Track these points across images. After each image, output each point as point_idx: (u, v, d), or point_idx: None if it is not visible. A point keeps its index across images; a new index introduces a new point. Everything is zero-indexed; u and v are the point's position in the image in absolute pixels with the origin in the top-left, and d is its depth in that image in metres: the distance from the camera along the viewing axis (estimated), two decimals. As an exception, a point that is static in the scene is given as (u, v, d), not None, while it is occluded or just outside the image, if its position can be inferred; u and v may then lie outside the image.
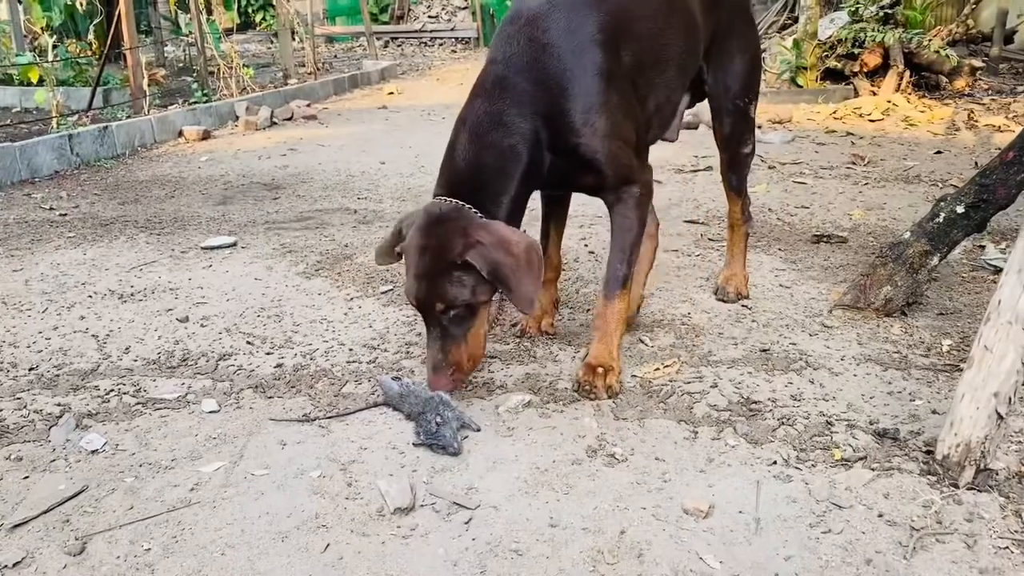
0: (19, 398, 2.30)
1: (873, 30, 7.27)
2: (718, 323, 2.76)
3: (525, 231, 2.23)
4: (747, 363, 2.47)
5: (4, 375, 2.45)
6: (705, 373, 2.40)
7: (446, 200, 2.16)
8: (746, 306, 2.90)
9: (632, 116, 2.31)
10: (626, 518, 1.75)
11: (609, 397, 2.26)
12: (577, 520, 1.75)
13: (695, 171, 5.03)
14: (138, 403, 2.27)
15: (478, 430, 2.10)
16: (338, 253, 3.61)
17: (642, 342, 2.59)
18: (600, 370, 2.28)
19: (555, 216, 2.74)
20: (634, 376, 2.38)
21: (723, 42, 2.71)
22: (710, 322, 2.77)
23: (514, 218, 2.23)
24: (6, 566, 1.62)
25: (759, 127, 6.39)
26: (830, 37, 7.56)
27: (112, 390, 2.34)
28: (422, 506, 1.81)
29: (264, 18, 16.53)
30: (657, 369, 2.40)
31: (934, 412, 2.14)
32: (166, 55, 10.32)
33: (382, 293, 3.12)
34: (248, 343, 2.67)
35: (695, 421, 2.14)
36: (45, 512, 1.79)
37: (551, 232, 2.72)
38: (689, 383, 2.34)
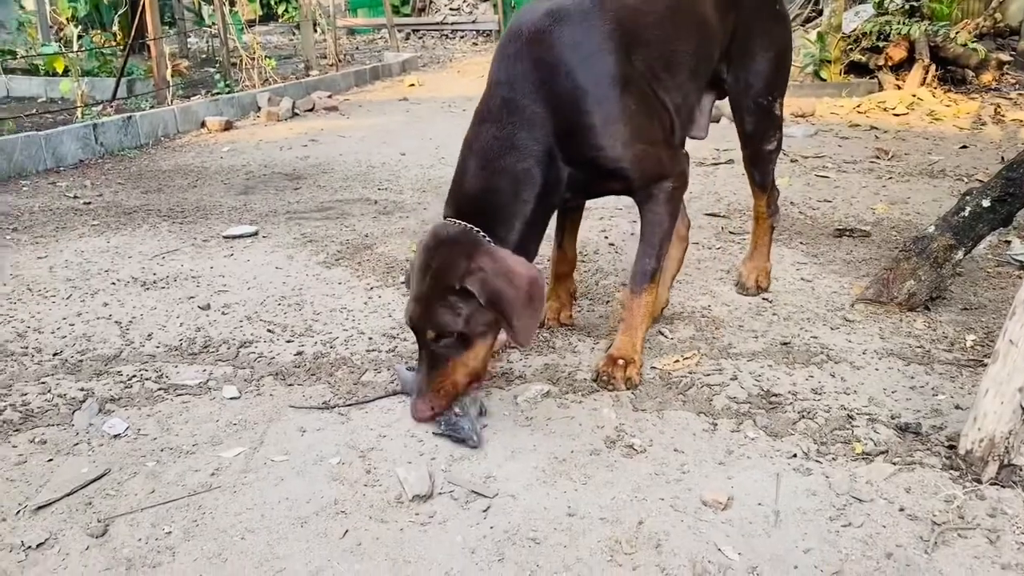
0: (43, 382, 2.33)
1: (899, 23, 7.18)
2: (738, 316, 2.75)
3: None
4: (767, 356, 2.45)
5: (29, 359, 2.48)
6: (725, 365, 2.39)
7: (455, 222, 2.09)
8: (767, 299, 2.88)
9: (654, 115, 2.27)
10: (644, 509, 1.75)
11: (628, 388, 2.24)
12: (595, 510, 1.75)
13: (716, 164, 4.99)
14: (160, 389, 2.29)
15: (483, 414, 2.10)
16: (358, 243, 3.62)
17: (662, 334, 2.58)
18: (621, 362, 2.27)
19: (571, 210, 2.67)
20: (653, 368, 2.38)
21: (745, 41, 2.64)
22: (730, 315, 2.76)
23: (529, 242, 2.17)
24: (30, 547, 1.64)
25: (781, 120, 6.34)
26: (855, 30, 7.48)
27: (135, 376, 2.36)
28: (440, 494, 1.81)
29: (286, 10, 16.59)
30: (676, 361, 2.39)
31: (957, 407, 2.12)
32: (189, 46, 10.38)
33: (402, 283, 3.12)
34: (269, 331, 2.68)
35: (714, 413, 2.13)
36: (68, 494, 1.81)
37: (567, 225, 2.67)
38: (709, 375, 2.33)
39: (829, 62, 7.43)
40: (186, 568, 1.58)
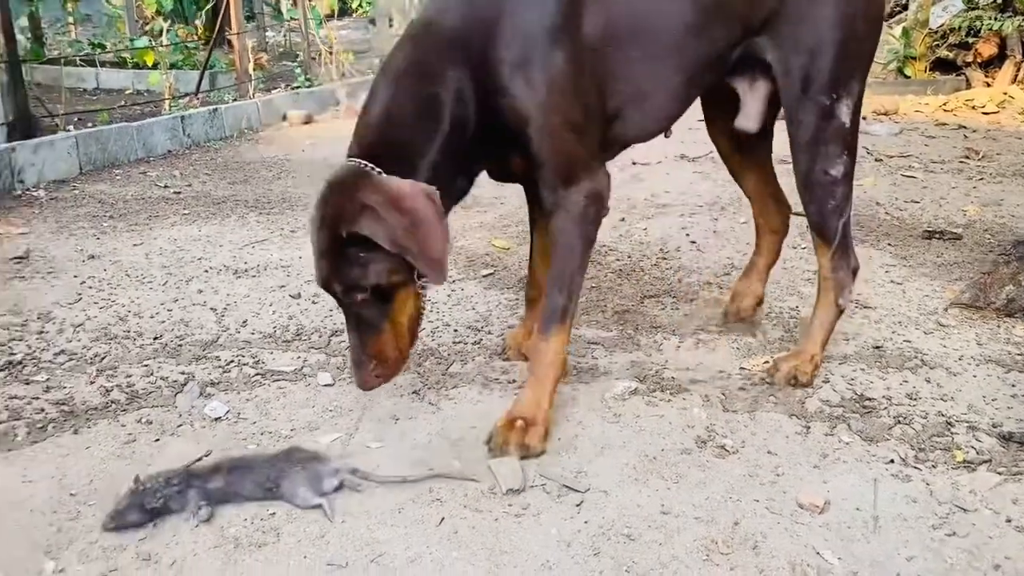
0: (146, 365, 2.42)
1: (989, 18, 6.93)
2: (827, 318, 2.70)
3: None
4: (859, 359, 2.41)
5: (131, 343, 2.58)
6: (816, 368, 2.35)
7: (349, 162, 1.85)
8: (856, 301, 2.82)
9: (583, 97, 1.91)
10: (739, 509, 1.74)
11: (524, 458, 1.89)
12: (689, 509, 1.74)
13: (797, 162, 4.91)
14: (257, 374, 2.37)
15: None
16: (439, 236, 3.66)
17: (752, 335, 2.56)
18: (520, 423, 1.93)
19: (543, 225, 2.23)
20: (743, 368, 2.36)
21: (797, 7, 2.05)
22: (819, 316, 2.71)
23: (440, 191, 1.83)
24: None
25: (863, 118, 6.20)
26: (942, 25, 7.25)
27: (232, 361, 2.44)
28: (532, 487, 1.83)
29: (361, 4, 16.81)
30: (766, 362, 2.37)
31: (1063, 418, 2.05)
32: (267, 40, 10.62)
33: (483, 276, 3.15)
34: (357, 321, 2.74)
35: (807, 416, 2.11)
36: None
37: (540, 235, 2.29)
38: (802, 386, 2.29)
39: (914, 58, 7.23)
40: (290, 548, 1.63)
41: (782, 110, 2.19)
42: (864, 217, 3.82)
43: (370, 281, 1.79)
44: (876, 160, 4.93)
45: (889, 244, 3.45)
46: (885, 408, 2.13)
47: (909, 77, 7.24)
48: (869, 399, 2.18)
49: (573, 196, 1.92)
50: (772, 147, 2.52)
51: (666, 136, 2.24)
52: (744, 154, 2.53)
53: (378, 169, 1.80)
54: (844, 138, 2.12)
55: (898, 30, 7.54)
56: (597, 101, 1.96)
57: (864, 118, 6.17)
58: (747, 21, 2.08)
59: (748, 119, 2.27)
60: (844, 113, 2.10)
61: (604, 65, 1.94)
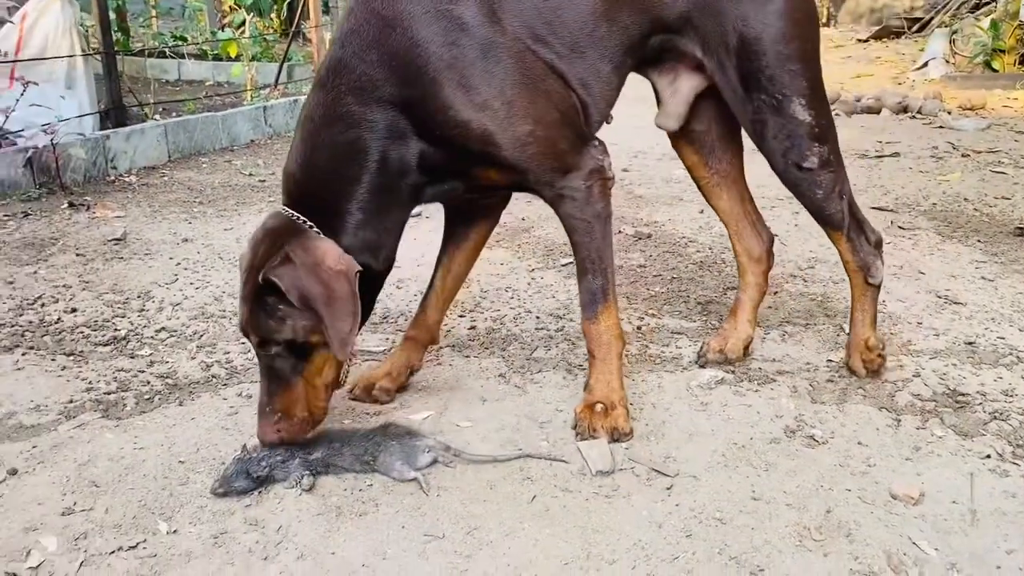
0: (243, 343, 2.51)
1: (1084, 10, 6.67)
2: (915, 312, 2.66)
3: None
4: (951, 355, 2.36)
5: (227, 322, 2.68)
6: (905, 362, 2.32)
7: (283, 211, 1.82)
8: (946, 297, 2.77)
9: (544, 90, 1.84)
10: (831, 498, 1.73)
11: (614, 440, 1.91)
12: (780, 496, 1.75)
13: (880, 157, 4.80)
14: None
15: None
16: (516, 226, 3.71)
17: (841, 328, 2.53)
18: (600, 407, 1.94)
19: (456, 244, 2.21)
20: (830, 361, 2.34)
21: (720, 3, 1.97)
22: (907, 311, 2.67)
23: (378, 236, 1.84)
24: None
25: (948, 112, 6.04)
26: (1033, 18, 7.00)
27: (324, 341, 2.52)
28: (621, 470, 1.86)
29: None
30: (854, 354, 2.34)
31: None
32: (341, 34, 10.83)
33: (562, 266, 3.18)
34: (441, 305, 2.80)
35: (897, 409, 2.08)
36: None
37: (448, 256, 2.21)
38: (889, 371, 2.27)
39: (1003, 51, 7.00)
40: (389, 518, 1.69)
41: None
42: (951, 213, 3.74)
43: (285, 335, 1.75)
44: (963, 155, 4.80)
45: (979, 240, 3.37)
46: (980, 404, 2.10)
47: (997, 71, 7.02)
48: (962, 394, 2.14)
49: (572, 182, 1.88)
50: (743, 160, 2.35)
51: (607, 123, 2.10)
52: (712, 165, 2.32)
53: (308, 222, 1.78)
54: (809, 131, 2.02)
55: (986, 22, 7.30)
56: (561, 83, 1.88)
57: (949, 112, 6.03)
58: (656, 13, 1.99)
59: (668, 119, 2.19)
60: (799, 110, 2.00)
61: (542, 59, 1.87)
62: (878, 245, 2.19)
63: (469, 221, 2.22)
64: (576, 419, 1.97)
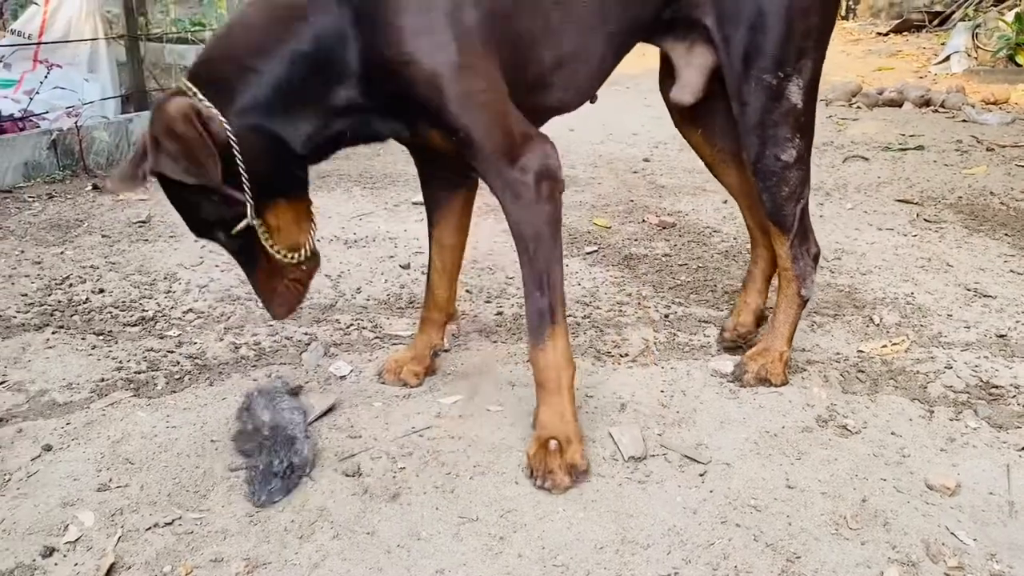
0: (271, 325, 2.52)
1: (1111, 5, 6.60)
2: (945, 305, 2.64)
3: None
4: (982, 347, 2.35)
5: (254, 304, 2.68)
6: (937, 354, 2.31)
7: (182, 87, 1.60)
8: (975, 289, 2.75)
9: (503, 61, 1.70)
10: (866, 487, 1.73)
11: (573, 480, 1.71)
12: (814, 484, 1.74)
13: (903, 150, 4.76)
14: (376, 337, 2.44)
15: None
16: (539, 214, 3.69)
17: (871, 319, 2.52)
18: (553, 444, 1.73)
19: (440, 212, 2.11)
20: (860, 352, 2.32)
21: None
22: (937, 303, 2.65)
23: (285, 111, 1.61)
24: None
25: (971, 106, 5.98)
26: (1058, 12, 6.93)
27: (352, 324, 2.52)
28: (653, 456, 1.85)
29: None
30: (885, 346, 2.33)
31: None
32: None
33: (587, 254, 3.17)
34: (467, 291, 2.79)
35: (930, 400, 2.07)
36: (310, 423, 1.93)
37: (433, 240, 2.14)
38: (920, 362, 2.26)
39: (1027, 46, 6.93)
40: (423, 500, 1.69)
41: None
42: (978, 206, 3.71)
43: (214, 214, 1.63)
44: (987, 150, 4.76)
45: (1006, 234, 3.34)
46: (1014, 396, 2.08)
47: (1021, 65, 6.95)
48: (996, 387, 2.12)
49: (521, 177, 1.70)
50: None
51: (591, 102, 2.06)
52: (718, 143, 2.26)
53: (196, 91, 1.57)
54: (796, 120, 1.94)
55: (1010, 16, 7.23)
56: (516, 67, 1.76)
57: (972, 106, 5.98)
58: None
59: (683, 91, 2.08)
60: (794, 93, 1.92)
61: (518, 30, 1.75)
62: (816, 259, 2.12)
63: (447, 185, 2.12)
64: (529, 461, 1.75)
